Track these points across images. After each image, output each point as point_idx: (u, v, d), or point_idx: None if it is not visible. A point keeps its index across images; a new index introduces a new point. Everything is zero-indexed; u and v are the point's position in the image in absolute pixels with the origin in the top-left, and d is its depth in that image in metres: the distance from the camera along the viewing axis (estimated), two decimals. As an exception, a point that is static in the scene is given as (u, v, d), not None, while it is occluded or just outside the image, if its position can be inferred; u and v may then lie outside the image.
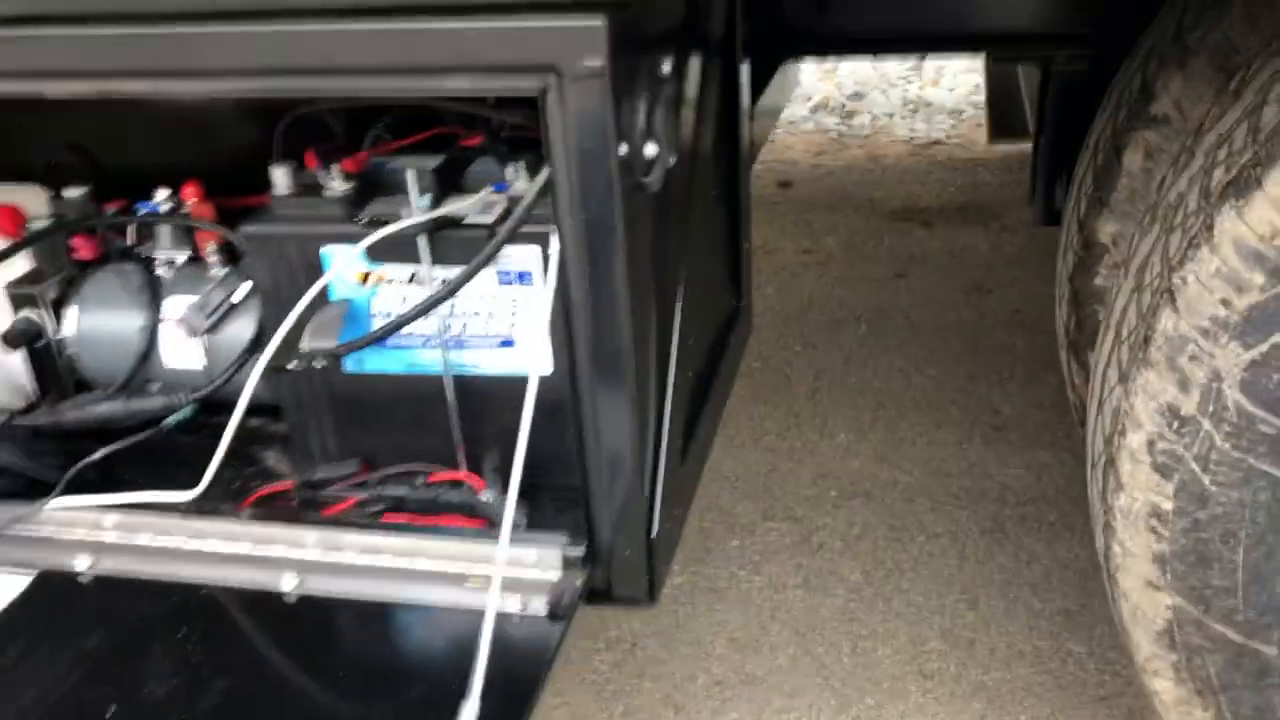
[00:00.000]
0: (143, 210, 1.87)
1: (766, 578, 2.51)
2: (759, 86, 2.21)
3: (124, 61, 1.32)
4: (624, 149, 1.28)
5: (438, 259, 1.57)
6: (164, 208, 1.86)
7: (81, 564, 1.57)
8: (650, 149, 1.30)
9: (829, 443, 2.99)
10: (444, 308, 1.59)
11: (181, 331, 1.80)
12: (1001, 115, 2.32)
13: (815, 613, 2.40)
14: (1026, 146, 2.50)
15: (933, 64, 6.20)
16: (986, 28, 2.18)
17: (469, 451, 1.68)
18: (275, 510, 1.61)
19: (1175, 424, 1.38)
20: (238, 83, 1.28)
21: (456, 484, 1.68)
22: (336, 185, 1.61)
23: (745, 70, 1.90)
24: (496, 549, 1.35)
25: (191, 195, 1.86)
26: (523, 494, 1.61)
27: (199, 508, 1.60)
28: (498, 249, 1.42)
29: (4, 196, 1.93)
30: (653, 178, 1.32)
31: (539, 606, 1.44)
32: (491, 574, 1.49)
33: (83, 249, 1.87)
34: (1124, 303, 1.51)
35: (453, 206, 1.52)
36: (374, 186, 1.64)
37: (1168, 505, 1.41)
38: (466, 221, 1.56)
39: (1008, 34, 2.16)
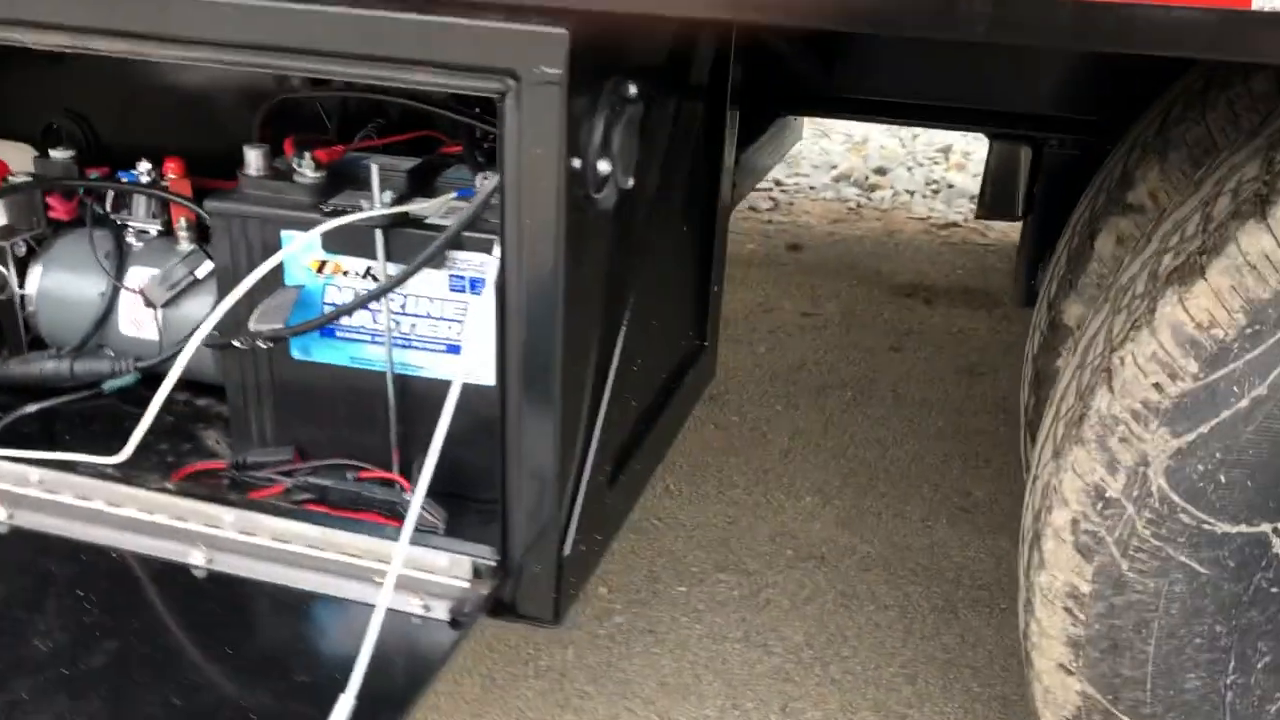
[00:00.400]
0: (120, 178, 1.89)
1: (708, 627, 2.48)
2: (752, 136, 2.22)
3: (101, 20, 1.34)
4: (577, 163, 1.28)
5: (395, 257, 1.58)
6: (143, 179, 1.88)
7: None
8: (603, 166, 1.30)
9: (794, 503, 2.96)
10: (392, 306, 1.60)
11: (140, 301, 1.81)
12: (993, 193, 2.32)
13: (751, 668, 2.37)
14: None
15: (960, 148, 6.23)
16: (988, 105, 2.19)
17: (404, 453, 1.68)
18: (196, 487, 1.60)
19: (1100, 505, 1.36)
20: (208, 53, 1.30)
21: (387, 483, 1.67)
22: (306, 172, 1.62)
23: (733, 117, 1.91)
24: (395, 547, 1.34)
25: (172, 170, 1.88)
26: (449, 502, 1.61)
27: (123, 475, 1.59)
28: (441, 249, 1.43)
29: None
30: (603, 195, 1.33)
31: (441, 611, 1.43)
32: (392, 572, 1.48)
33: (58, 209, 1.89)
34: (1067, 380, 1.49)
35: (413, 206, 1.53)
36: (345, 180, 1.65)
37: (1085, 587, 1.39)
38: (428, 222, 1.56)
39: (1007, 113, 2.17)
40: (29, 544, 1.52)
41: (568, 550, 1.43)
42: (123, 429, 1.70)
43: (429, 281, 1.58)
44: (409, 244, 1.56)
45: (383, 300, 1.60)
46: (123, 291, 1.84)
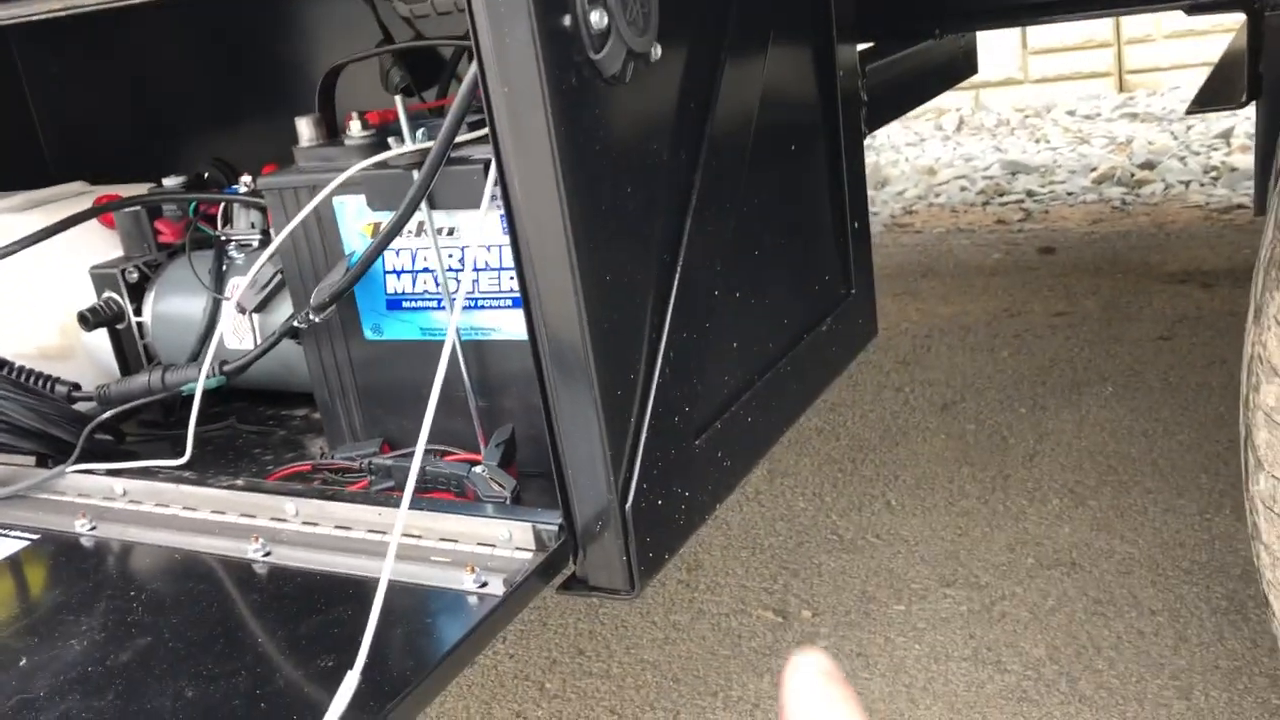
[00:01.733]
0: (226, 194, 1.86)
1: (928, 646, 2.11)
2: (892, 50, 1.92)
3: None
4: (566, 20, 1.08)
5: (442, 203, 1.41)
6: (242, 190, 1.83)
7: (81, 526, 1.50)
8: (598, 18, 1.09)
9: (1038, 508, 2.54)
10: (449, 262, 1.43)
11: (235, 310, 1.74)
12: (1212, 82, 1.89)
13: (979, 688, 1.98)
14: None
15: (1244, 130, 5.52)
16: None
17: (489, 428, 1.49)
18: (262, 483, 1.47)
19: (1321, 365, 0.97)
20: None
21: (474, 463, 1.48)
22: (355, 134, 1.50)
23: (844, 18, 1.64)
24: (396, 516, 1.15)
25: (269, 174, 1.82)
26: (528, 477, 1.41)
27: (198, 478, 1.49)
28: (431, 176, 1.24)
29: (119, 190, 1.98)
30: (607, 55, 1.10)
31: (496, 585, 1.21)
32: (456, 548, 1.29)
33: (168, 234, 1.87)
34: (1269, 220, 1.11)
35: (422, 145, 1.36)
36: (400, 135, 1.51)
37: (1321, 487, 1.00)
38: (474, 157, 1.39)
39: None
40: (102, 552, 1.44)
41: (630, 504, 1.18)
42: (204, 436, 1.62)
43: (486, 225, 1.40)
44: (453, 185, 1.39)
45: (439, 256, 1.43)
46: (224, 304, 1.78)
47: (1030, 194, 5.27)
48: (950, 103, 7.03)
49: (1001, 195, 5.32)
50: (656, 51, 1.19)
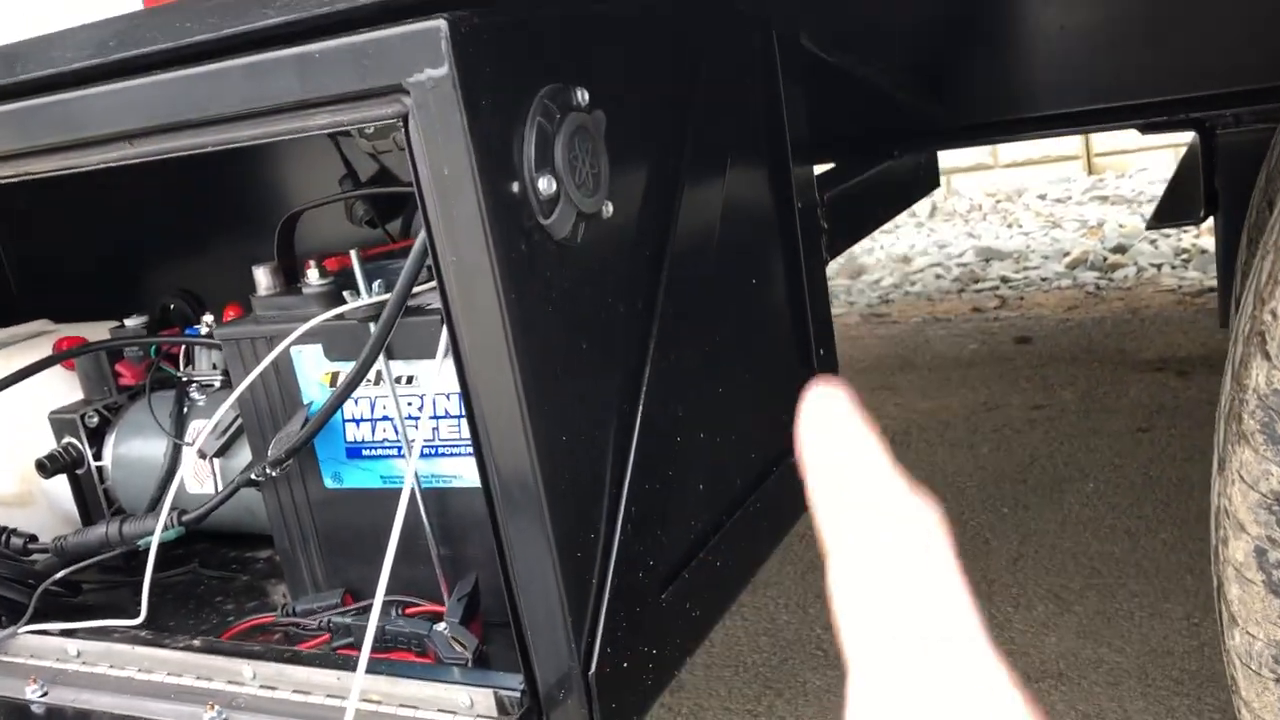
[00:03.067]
0: (188, 334, 1.84)
1: (915, 772, 2.05)
2: (853, 175, 1.93)
3: None
4: (515, 186, 1.07)
5: (400, 353, 1.40)
6: (203, 330, 1.81)
7: (32, 692, 1.45)
8: (546, 185, 1.08)
9: (1024, 615, 2.50)
10: (410, 410, 1.41)
11: (196, 455, 1.71)
12: (1169, 197, 1.91)
13: (968, 818, 1.92)
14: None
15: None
16: (1136, 98, 1.82)
17: (453, 579, 1.46)
18: (223, 644, 1.43)
19: (1288, 522, 0.95)
20: (101, 153, 1.19)
21: (436, 616, 1.45)
22: (313, 282, 1.49)
23: (797, 148, 1.65)
24: (352, 680, 1.11)
25: (231, 316, 1.80)
26: (494, 627, 1.37)
27: (152, 638, 1.45)
28: (387, 331, 1.23)
29: (81, 331, 1.96)
30: (556, 219, 1.10)
31: (457, 758, 1.17)
32: (416, 715, 1.24)
33: (128, 376, 1.85)
34: (1226, 369, 1.10)
35: (383, 296, 1.35)
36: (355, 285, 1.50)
37: (1296, 645, 0.97)
38: (430, 307, 1.38)
39: (1160, 102, 1.78)
40: (54, 718, 1.39)
41: (593, 669, 1.15)
42: (167, 587, 1.58)
43: (443, 375, 1.38)
44: (417, 335, 1.37)
45: (397, 406, 1.41)
46: (184, 449, 1.75)
47: (1005, 280, 5.31)
48: (923, 189, 7.11)
49: (976, 282, 5.35)
50: (608, 209, 1.19)
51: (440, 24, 0.99)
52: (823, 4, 1.73)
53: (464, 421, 1.39)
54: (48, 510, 1.86)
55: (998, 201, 6.98)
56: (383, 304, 1.35)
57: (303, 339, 1.46)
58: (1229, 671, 1.08)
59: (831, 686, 2.35)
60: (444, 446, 1.43)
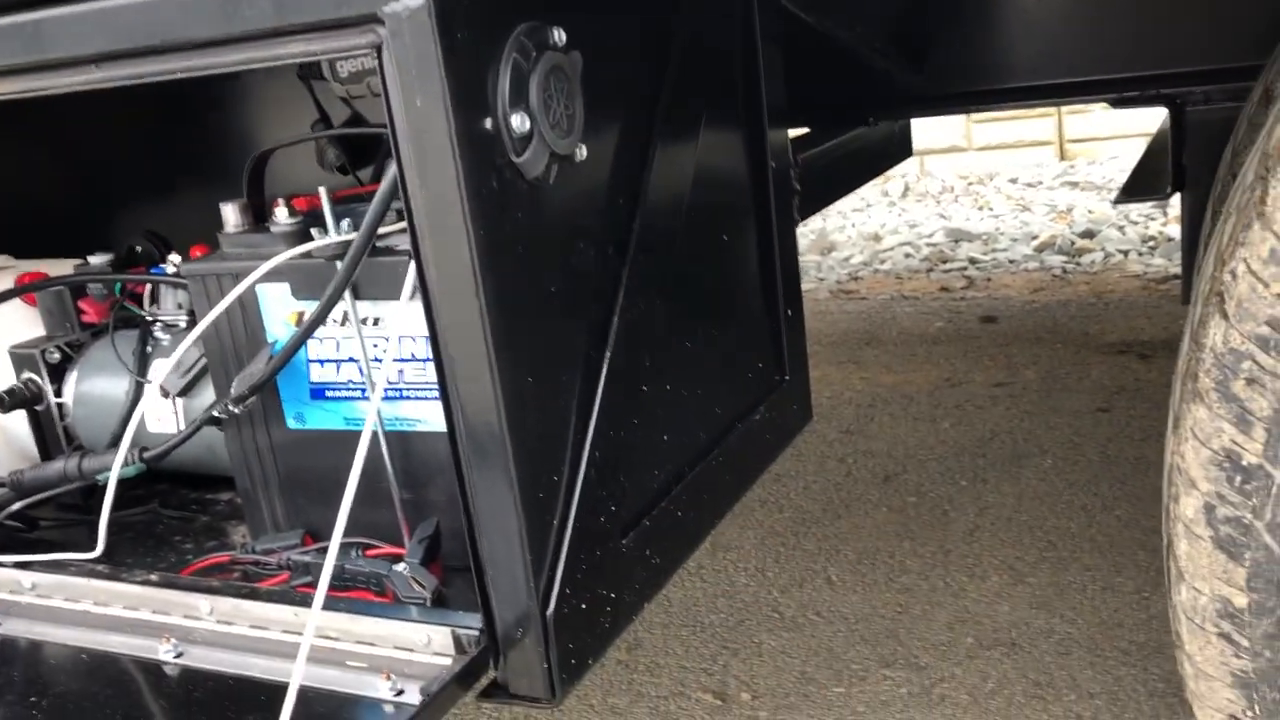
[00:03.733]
0: (153, 273, 1.82)
1: (867, 732, 2.09)
2: (827, 138, 1.94)
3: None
4: (487, 122, 1.07)
5: (366, 294, 1.40)
6: (169, 270, 1.80)
7: (-14, 623, 1.44)
8: (519, 122, 1.08)
9: (978, 585, 2.53)
10: (375, 352, 1.41)
11: (160, 394, 1.70)
12: (1137, 174, 1.93)
13: (917, 777, 1.95)
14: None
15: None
16: (1109, 73, 1.84)
17: (413, 521, 1.46)
18: (181, 579, 1.43)
19: (1238, 478, 0.97)
20: (66, 76, 1.17)
21: (396, 558, 1.45)
22: (281, 221, 1.48)
23: (773, 109, 1.65)
24: (308, 617, 1.11)
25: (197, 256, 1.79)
26: (455, 571, 1.38)
27: (111, 572, 1.44)
28: (352, 269, 1.23)
29: (43, 268, 1.94)
30: (528, 158, 1.10)
31: (413, 694, 1.17)
32: (373, 652, 1.25)
33: (91, 313, 1.83)
34: (1188, 329, 1.12)
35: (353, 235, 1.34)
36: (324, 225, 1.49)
37: (1241, 600, 0.99)
38: (398, 248, 1.37)
39: (1132, 77, 1.80)
40: (7, 650, 1.39)
41: (551, 609, 1.16)
42: (126, 524, 1.58)
43: (410, 316, 1.38)
44: (378, 275, 1.37)
45: (362, 347, 1.41)
46: (147, 387, 1.74)
47: (973, 261, 5.34)
48: (896, 169, 7.13)
49: (945, 262, 5.38)
50: (582, 152, 1.19)
51: (418, -48, 0.99)
52: (803, -36, 1.73)
53: (430, 366, 1.40)
54: (4, 445, 1.84)
55: (970, 184, 7.01)
56: (350, 242, 1.35)
57: (269, 277, 1.45)
58: (1174, 627, 1.10)
59: (786, 648, 2.38)
60: (409, 390, 1.42)
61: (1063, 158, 7.27)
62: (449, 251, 1.07)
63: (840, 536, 2.83)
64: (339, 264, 1.36)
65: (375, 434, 1.43)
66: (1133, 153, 6.96)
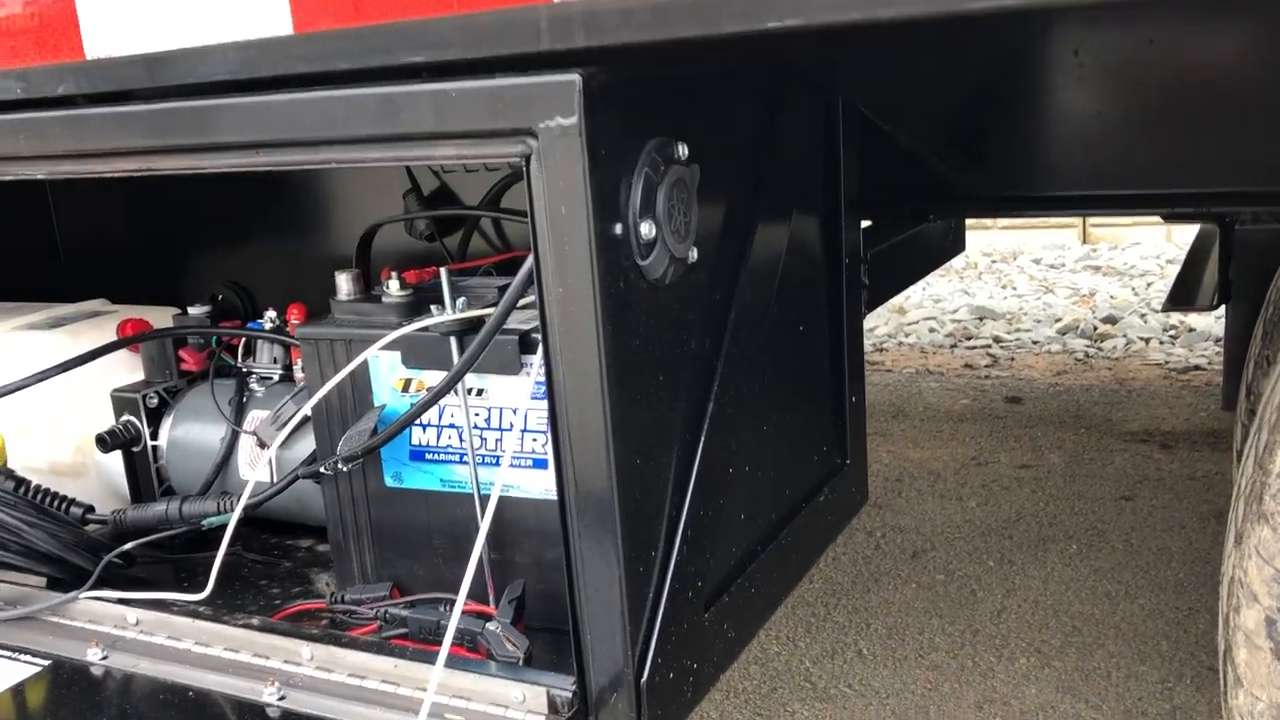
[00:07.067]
0: (250, 328, 1.93)
1: (898, 806, 2.15)
2: (889, 236, 2.05)
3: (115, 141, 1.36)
4: (617, 228, 1.17)
5: (476, 366, 1.49)
6: (267, 325, 1.90)
7: (93, 655, 1.53)
8: (647, 229, 1.18)
9: (1006, 666, 2.60)
10: (476, 420, 1.51)
11: (255, 443, 1.80)
12: (1181, 282, 2.03)
13: None
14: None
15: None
16: (1161, 187, 1.95)
17: (500, 583, 1.55)
18: (283, 624, 1.51)
19: (1299, 596, 1.06)
20: (237, 158, 1.28)
21: (484, 616, 1.54)
22: (393, 293, 1.58)
23: (850, 208, 1.76)
24: (433, 672, 1.20)
25: (295, 315, 1.89)
26: (552, 637, 1.46)
27: (213, 614, 1.53)
28: (480, 349, 1.32)
29: (142, 314, 2.04)
30: (652, 262, 1.20)
31: (510, 750, 1.26)
32: (469, 707, 1.33)
33: (190, 362, 1.93)
34: (1248, 451, 1.21)
35: (482, 310, 1.45)
36: (436, 299, 1.60)
37: (1297, 708, 1.08)
38: (509, 327, 1.47)
39: (1182, 194, 1.91)
40: (111, 684, 1.47)
41: (645, 676, 1.24)
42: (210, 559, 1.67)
43: (511, 389, 1.48)
44: (494, 352, 1.47)
45: (466, 414, 1.51)
46: (242, 436, 1.83)
47: (997, 340, 5.44)
48: (921, 243, 7.26)
49: (969, 339, 5.48)
50: (694, 254, 1.29)
51: (575, 77, 1.09)
52: (880, 75, 1.84)
53: (526, 436, 1.49)
54: (98, 482, 1.94)
55: (993, 261, 7.14)
56: (467, 320, 1.45)
57: (383, 346, 1.55)
58: (1228, 728, 1.18)
59: (818, 718, 2.44)
60: (505, 457, 1.52)
61: (1085, 241, 7.40)
62: (578, 342, 1.16)
63: (870, 610, 2.90)
64: (452, 340, 1.46)
65: (474, 496, 1.53)
66: (1153, 240, 7.09)
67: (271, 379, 1.89)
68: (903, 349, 5.46)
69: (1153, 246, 6.99)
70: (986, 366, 5.07)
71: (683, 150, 1.25)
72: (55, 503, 1.74)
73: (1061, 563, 3.08)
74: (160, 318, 2.02)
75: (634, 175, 1.18)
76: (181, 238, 2.45)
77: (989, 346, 5.36)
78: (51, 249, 2.49)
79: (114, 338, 1.91)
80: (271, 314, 1.92)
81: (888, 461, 3.91)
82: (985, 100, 2.08)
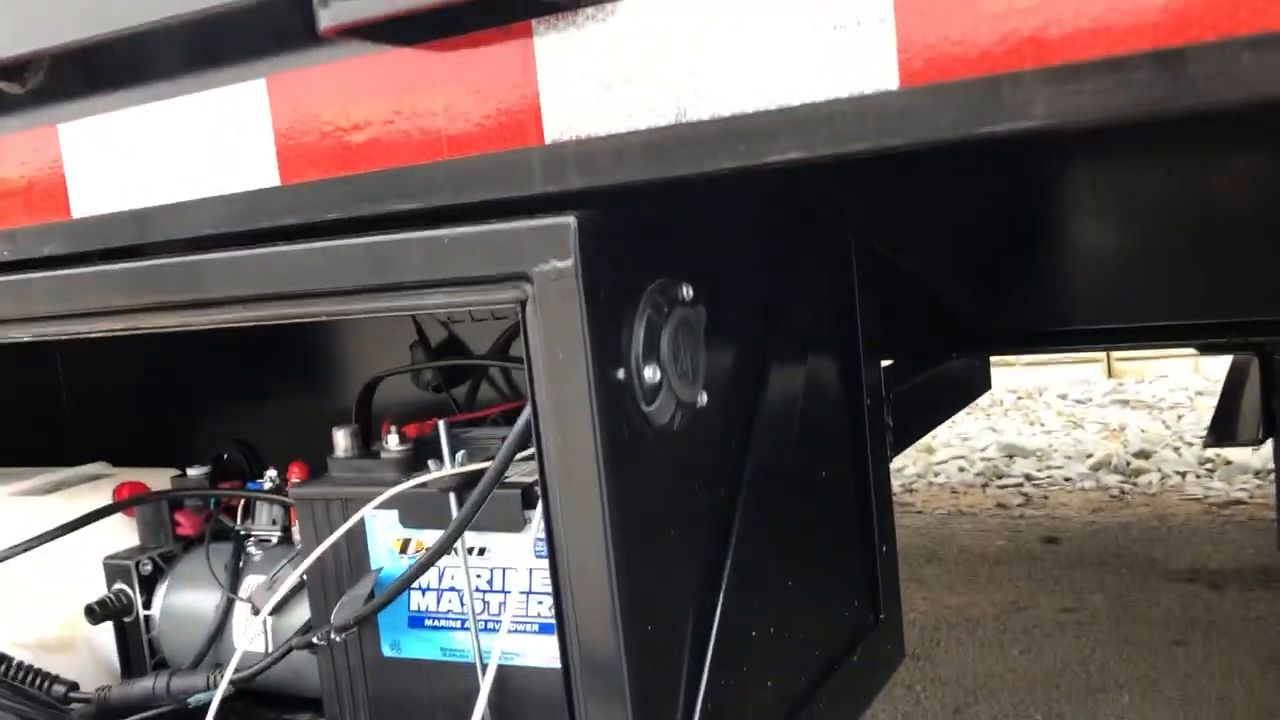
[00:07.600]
0: (250, 488, 1.85)
1: None
2: (912, 375, 1.97)
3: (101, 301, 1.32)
4: (620, 373, 1.10)
5: (475, 524, 1.41)
6: (266, 485, 1.82)
7: None
8: (651, 373, 1.11)
9: (1062, 832, 2.42)
10: (475, 582, 1.41)
11: (249, 611, 1.70)
12: (1220, 416, 1.93)
13: None
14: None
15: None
16: (1194, 318, 1.87)
17: (506, 760, 1.43)
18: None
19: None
20: (217, 314, 1.23)
21: (488, 799, 1.41)
22: (392, 448, 1.51)
23: (869, 349, 1.70)
24: None
25: (296, 475, 1.82)
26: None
27: (197, 798, 1.41)
28: (477, 506, 1.24)
29: (141, 477, 1.97)
30: (658, 408, 1.12)
31: None
32: None
33: (186, 526, 1.85)
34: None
35: (482, 463, 1.37)
36: (435, 452, 1.52)
37: None
38: (509, 480, 1.39)
39: (1218, 324, 1.83)
40: None
41: None
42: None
43: (512, 549, 1.39)
44: (495, 508, 1.38)
45: (466, 576, 1.42)
46: (237, 603, 1.74)
47: (1029, 478, 5.31)
48: (945, 381, 7.19)
49: (1000, 478, 5.35)
50: (703, 399, 1.22)
51: (570, 220, 1.04)
52: (895, 211, 1.80)
53: (531, 599, 1.40)
54: (88, 656, 1.84)
55: (1019, 398, 7.04)
56: (466, 474, 1.37)
57: (378, 504, 1.47)
58: None
59: None
60: (510, 623, 1.42)
61: (1110, 375, 7.31)
62: (580, 495, 1.08)
63: (912, 772, 2.72)
64: (451, 496, 1.38)
65: (475, 665, 1.42)
66: (1180, 373, 7.00)
67: (270, 541, 1.81)
68: (933, 489, 5.33)
69: (1180, 379, 6.89)
70: (1020, 505, 4.93)
71: (687, 291, 1.19)
72: (37, 681, 1.64)
73: (1114, 715, 2.90)
74: (159, 480, 1.95)
75: (636, 318, 1.12)
76: (188, 396, 2.40)
77: (1021, 485, 5.23)
78: (55, 410, 2.44)
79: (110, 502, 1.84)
80: (272, 473, 1.84)
81: (924, 609, 3.75)
82: (1005, 236, 2.03)
